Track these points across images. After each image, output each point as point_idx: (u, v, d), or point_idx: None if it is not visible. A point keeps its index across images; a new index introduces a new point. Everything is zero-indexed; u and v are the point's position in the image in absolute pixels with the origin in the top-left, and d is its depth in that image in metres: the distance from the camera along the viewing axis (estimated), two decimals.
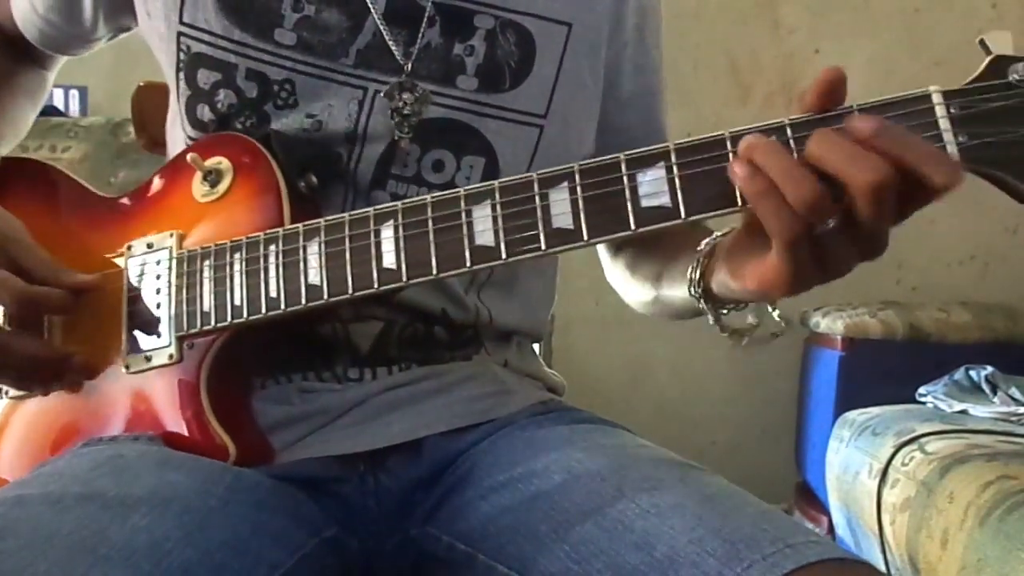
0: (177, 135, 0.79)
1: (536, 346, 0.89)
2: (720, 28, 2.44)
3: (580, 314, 2.03)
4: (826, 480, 1.91)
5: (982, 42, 0.55)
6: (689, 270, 0.66)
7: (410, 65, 0.74)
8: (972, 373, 1.89)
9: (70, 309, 0.71)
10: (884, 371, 2.02)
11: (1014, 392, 1.79)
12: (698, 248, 0.65)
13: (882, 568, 1.56)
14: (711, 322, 0.66)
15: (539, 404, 0.78)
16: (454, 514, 0.68)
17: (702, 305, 0.66)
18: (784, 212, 0.53)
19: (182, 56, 0.75)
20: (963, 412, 1.77)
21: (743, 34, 2.45)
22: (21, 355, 0.70)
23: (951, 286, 2.40)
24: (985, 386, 1.85)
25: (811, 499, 2.16)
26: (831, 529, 1.93)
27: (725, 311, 0.66)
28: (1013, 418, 1.70)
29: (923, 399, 1.89)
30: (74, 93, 2.28)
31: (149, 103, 1.04)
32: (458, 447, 0.73)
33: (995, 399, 1.80)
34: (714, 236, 0.65)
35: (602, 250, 0.91)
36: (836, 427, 1.91)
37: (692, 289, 0.65)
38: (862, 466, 1.70)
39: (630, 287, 0.85)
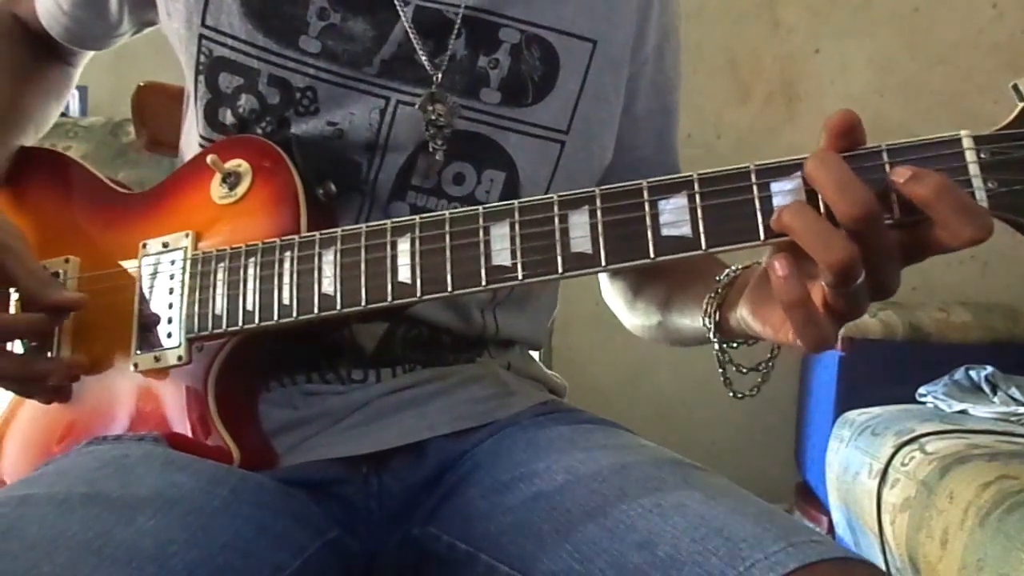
0: (192, 135, 0.79)
1: (535, 352, 0.89)
2: (720, 28, 2.44)
3: (580, 314, 2.03)
4: (826, 480, 1.91)
5: (1015, 87, 0.54)
6: (706, 299, 0.65)
7: (439, 75, 0.73)
8: (972, 373, 1.89)
9: (47, 333, 0.72)
10: (884, 371, 2.02)
11: (1014, 392, 1.80)
12: (717, 279, 0.65)
13: (882, 568, 1.56)
14: (718, 361, 0.65)
15: (541, 405, 0.79)
16: (456, 514, 0.68)
17: (713, 337, 0.65)
18: (816, 320, 0.53)
19: (202, 59, 0.75)
20: (963, 412, 1.77)
21: (743, 34, 2.45)
22: (4, 374, 0.71)
23: (951, 286, 2.40)
24: (985, 386, 1.85)
25: (811, 499, 2.17)
26: (831, 529, 1.93)
27: (735, 345, 0.65)
28: (1013, 418, 1.71)
29: (923, 399, 1.90)
30: (74, 93, 2.27)
31: (149, 103, 1.04)
32: (461, 448, 0.73)
33: (995, 399, 1.80)
34: (736, 268, 0.65)
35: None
36: (836, 427, 1.91)
37: (707, 320, 0.65)
38: (862, 466, 1.70)
39: (632, 309, 0.85)
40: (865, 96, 2.40)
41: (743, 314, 0.61)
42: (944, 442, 1.55)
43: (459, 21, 0.74)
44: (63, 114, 2.13)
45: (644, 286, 0.83)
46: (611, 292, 0.89)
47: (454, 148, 0.74)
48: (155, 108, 1.01)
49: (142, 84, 1.04)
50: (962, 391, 1.87)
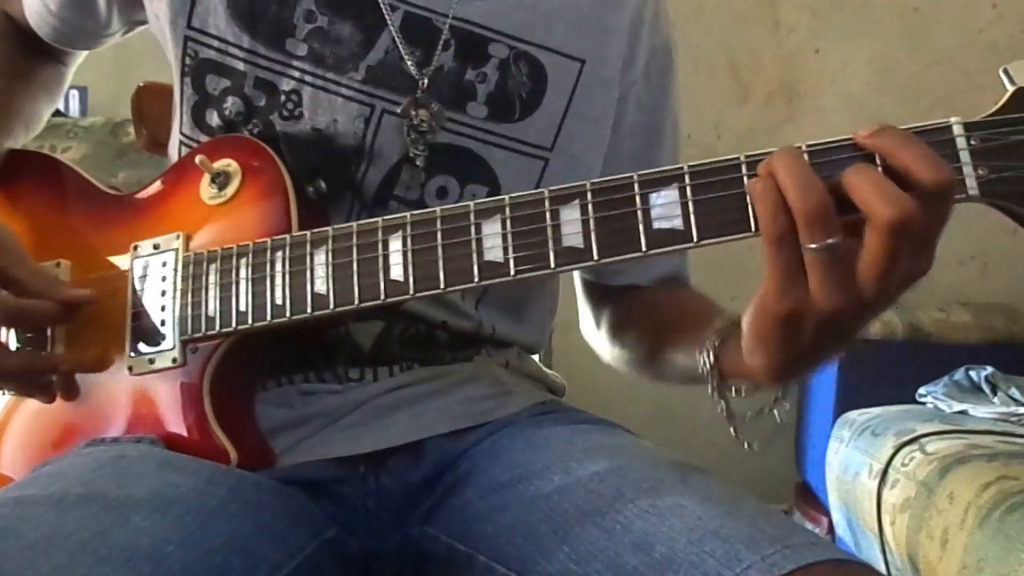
0: (176, 136, 0.79)
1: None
2: (720, 28, 2.44)
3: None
4: (826, 480, 1.91)
5: (1005, 71, 0.54)
6: (707, 338, 0.63)
7: (425, 81, 0.73)
8: (972, 373, 1.89)
9: (63, 321, 0.71)
10: (884, 371, 2.01)
11: (1014, 392, 1.80)
12: (712, 327, 0.63)
13: (882, 568, 1.57)
14: (713, 395, 0.64)
15: (539, 405, 0.78)
16: (454, 514, 0.68)
17: (706, 372, 0.63)
18: (780, 212, 0.51)
19: (188, 60, 0.75)
20: (963, 412, 1.77)
21: (743, 34, 2.45)
22: (8, 369, 0.70)
23: (951, 286, 2.40)
24: (985, 386, 1.85)
25: (811, 499, 2.16)
26: (831, 529, 1.93)
27: (732, 391, 0.64)
28: (1013, 418, 1.71)
29: (923, 399, 1.90)
30: (74, 93, 2.28)
31: (149, 103, 1.04)
32: (459, 448, 0.73)
33: (995, 399, 1.80)
34: (728, 321, 0.63)
35: (582, 305, 0.89)
36: (836, 427, 1.91)
37: (705, 355, 0.63)
38: (862, 466, 1.70)
39: (616, 341, 0.83)
40: (865, 96, 2.39)
41: (733, 345, 0.59)
42: (944, 442, 1.55)
43: (447, 31, 0.74)
44: (63, 114, 2.14)
45: (628, 330, 0.82)
46: (592, 327, 0.87)
47: (438, 161, 0.73)
48: (155, 108, 1.01)
49: (142, 84, 1.04)
50: (962, 391, 1.86)
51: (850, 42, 2.44)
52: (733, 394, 0.64)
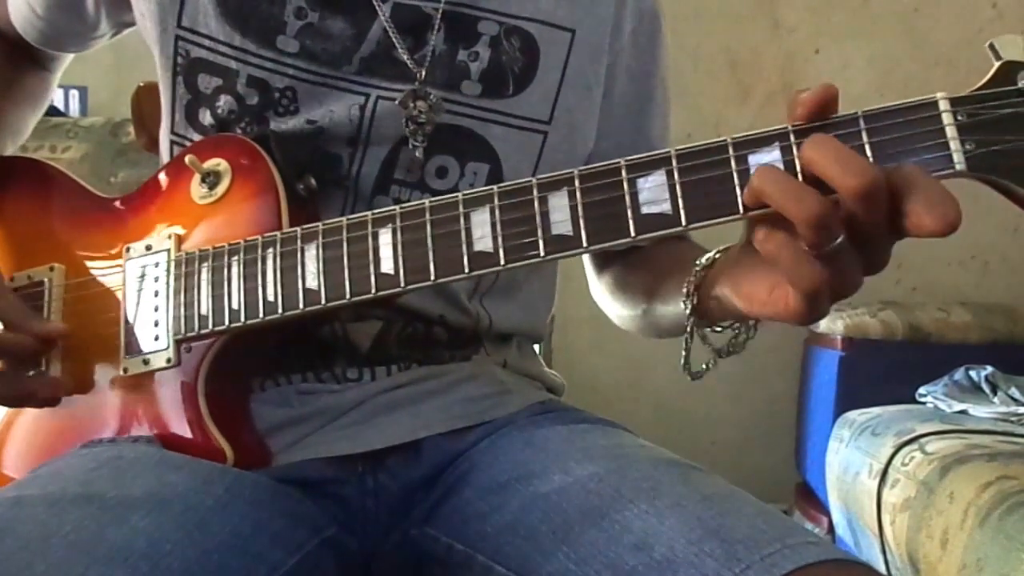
0: (167, 134, 0.79)
1: (536, 346, 0.89)
2: (720, 28, 2.44)
3: (580, 314, 2.03)
4: (826, 480, 1.91)
5: (991, 46, 0.53)
6: (685, 283, 0.64)
7: (423, 72, 0.73)
8: (972, 373, 1.89)
9: (40, 353, 0.72)
10: (884, 371, 2.02)
11: (1014, 392, 1.80)
12: (696, 262, 0.64)
13: (882, 568, 1.56)
14: (685, 344, 0.64)
15: (538, 404, 0.78)
16: (453, 514, 0.68)
17: (688, 317, 0.64)
18: (804, 262, 0.50)
19: (180, 60, 0.75)
20: (963, 412, 1.77)
21: (743, 34, 2.45)
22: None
23: (951, 286, 2.40)
24: (985, 386, 1.85)
25: (811, 499, 2.16)
26: (831, 529, 1.93)
27: (719, 329, 0.64)
28: (1013, 418, 1.71)
29: (923, 399, 1.90)
30: (74, 93, 2.28)
31: (149, 103, 1.03)
32: (457, 447, 0.73)
33: (995, 399, 1.80)
34: (714, 251, 0.64)
35: (588, 264, 0.90)
36: (836, 427, 1.91)
37: (685, 301, 0.64)
38: (862, 466, 1.70)
39: (616, 301, 0.85)
40: (865, 96, 2.39)
41: (725, 292, 0.60)
42: (944, 442, 1.55)
43: (438, 16, 0.74)
44: (63, 114, 2.14)
45: (629, 277, 0.83)
46: (598, 286, 0.89)
47: (436, 141, 0.74)
48: (155, 108, 1.00)
49: (142, 84, 1.03)
50: (962, 391, 1.87)
51: (850, 42, 2.44)
52: (709, 330, 0.64)
